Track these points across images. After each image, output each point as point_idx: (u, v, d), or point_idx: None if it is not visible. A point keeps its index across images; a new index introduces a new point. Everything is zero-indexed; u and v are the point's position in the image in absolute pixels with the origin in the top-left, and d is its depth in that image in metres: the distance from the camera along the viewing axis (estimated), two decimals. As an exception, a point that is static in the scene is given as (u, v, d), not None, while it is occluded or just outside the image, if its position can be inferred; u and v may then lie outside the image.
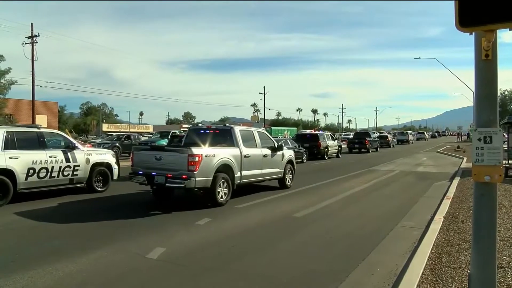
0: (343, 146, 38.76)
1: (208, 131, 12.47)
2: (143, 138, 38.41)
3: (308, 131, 37.04)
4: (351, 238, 7.66)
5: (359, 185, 15.39)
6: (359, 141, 39.58)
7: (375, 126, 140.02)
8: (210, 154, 10.34)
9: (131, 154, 11.31)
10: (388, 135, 56.91)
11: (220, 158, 10.62)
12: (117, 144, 31.23)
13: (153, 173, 10.25)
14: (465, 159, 26.87)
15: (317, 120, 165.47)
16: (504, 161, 15.32)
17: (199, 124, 16.33)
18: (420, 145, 58.49)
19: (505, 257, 5.83)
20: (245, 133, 12.34)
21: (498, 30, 3.12)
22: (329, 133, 35.67)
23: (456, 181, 15.35)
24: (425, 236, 7.31)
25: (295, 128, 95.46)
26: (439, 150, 40.86)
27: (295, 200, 11.76)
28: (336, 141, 34.14)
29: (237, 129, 12.02)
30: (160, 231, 7.91)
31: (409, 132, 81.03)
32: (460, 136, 75.82)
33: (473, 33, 3.28)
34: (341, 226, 8.65)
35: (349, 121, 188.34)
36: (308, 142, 29.41)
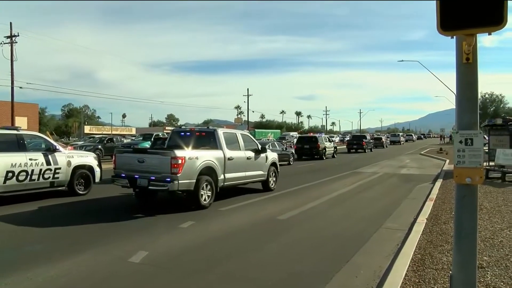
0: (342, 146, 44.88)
1: (191, 134, 12.46)
2: (125, 141, 38.08)
3: (292, 133, 38.71)
4: (336, 240, 7.71)
5: (343, 187, 15.50)
6: (357, 143, 44.94)
7: (359, 128, 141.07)
8: (193, 157, 10.33)
9: (113, 157, 11.23)
10: (383, 137, 64.15)
11: (203, 160, 10.61)
12: (99, 146, 30.92)
13: (135, 176, 10.20)
14: (447, 161, 27.26)
15: (301, 122, 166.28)
16: (484, 163, 15.61)
17: (182, 127, 16.31)
18: (407, 147, 61.76)
19: (485, 258, 5.95)
20: (228, 135, 12.34)
21: (478, 34, 3.19)
22: (326, 136, 40.47)
23: (438, 183, 15.57)
24: (408, 237, 7.39)
25: (279, 130, 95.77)
26: (422, 152, 41.40)
27: (279, 203, 11.78)
28: (332, 142, 37.85)
29: (221, 132, 12.02)
30: (143, 234, 7.84)
31: (400, 134, 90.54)
32: (442, 139, 77.12)
33: (455, 37, 3.35)
34: (325, 228, 8.70)
35: (333, 123, 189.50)
36: (309, 144, 32.79)
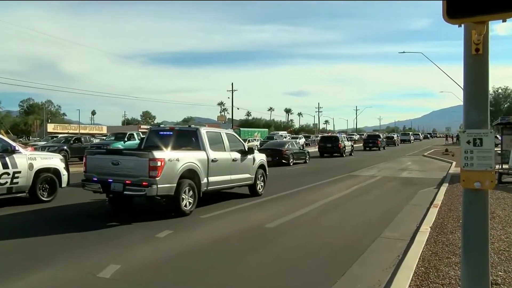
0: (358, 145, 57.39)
1: (171, 133, 12.48)
2: (95, 141, 37.74)
3: (281, 132, 41.23)
4: (329, 251, 7.72)
5: (338, 191, 15.54)
6: (372, 141, 55.91)
7: (355, 127, 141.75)
8: (173, 158, 10.30)
9: (84, 159, 11.14)
10: (394, 136, 78.33)
11: (184, 162, 10.59)
12: (65, 147, 30.48)
13: (109, 180, 10.15)
14: (454, 163, 27.44)
15: (291, 120, 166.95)
16: (497, 166, 15.65)
17: (161, 125, 16.30)
18: (411, 147, 64.92)
19: (500, 273, 5.92)
20: (212, 135, 12.38)
21: (490, 22, 3.16)
22: (345, 135, 54.45)
23: (444, 188, 15.64)
24: (411, 248, 7.40)
25: (267, 129, 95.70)
26: (425, 154, 41.71)
27: (268, 209, 11.81)
28: (350, 142, 46.88)
29: (204, 131, 12.04)
30: (115, 245, 7.77)
31: (410, 133, 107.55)
32: (450, 138, 77.84)
33: (463, 25, 3.30)
34: (318, 237, 8.71)
35: (326, 121, 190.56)
36: (331, 143, 40.72)
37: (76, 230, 8.95)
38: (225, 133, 13.38)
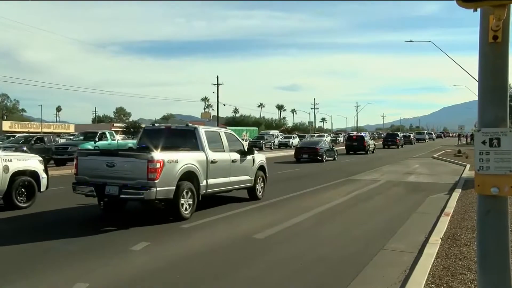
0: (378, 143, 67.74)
1: (167, 133, 13.02)
2: (61, 141, 37.42)
3: (273, 131, 42.64)
4: (326, 264, 7.71)
5: (337, 197, 15.59)
6: (391, 140, 67.90)
7: (355, 125, 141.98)
8: (172, 160, 10.64)
9: (74, 160, 11.48)
10: (411, 135, 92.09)
11: (184, 164, 10.95)
12: (25, 148, 30.03)
13: (103, 183, 10.39)
14: (468, 166, 27.47)
15: (284, 118, 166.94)
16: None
17: (156, 124, 16.64)
18: (420, 147, 68.52)
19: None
20: (210, 134, 12.82)
21: (511, 4, 3.12)
22: (368, 134, 67.95)
23: (456, 194, 15.62)
24: (419, 262, 7.37)
25: (256, 128, 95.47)
26: (435, 155, 41.86)
27: (260, 216, 11.97)
28: (372, 140, 56.55)
29: (202, 130, 12.46)
30: (83, 260, 7.68)
31: (425, 132, 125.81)
32: (464, 138, 78.28)
33: (479, 10, 3.27)
34: (314, 249, 8.69)
35: (323, 119, 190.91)
36: (357, 142, 50.97)
37: (41, 241, 8.89)
38: (224, 132, 13.87)
